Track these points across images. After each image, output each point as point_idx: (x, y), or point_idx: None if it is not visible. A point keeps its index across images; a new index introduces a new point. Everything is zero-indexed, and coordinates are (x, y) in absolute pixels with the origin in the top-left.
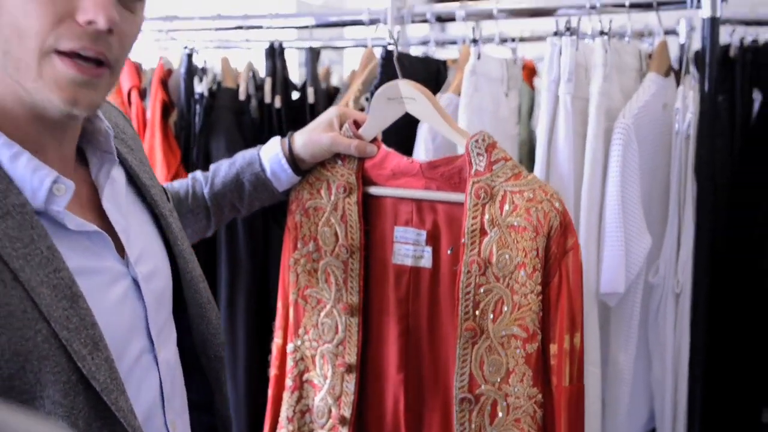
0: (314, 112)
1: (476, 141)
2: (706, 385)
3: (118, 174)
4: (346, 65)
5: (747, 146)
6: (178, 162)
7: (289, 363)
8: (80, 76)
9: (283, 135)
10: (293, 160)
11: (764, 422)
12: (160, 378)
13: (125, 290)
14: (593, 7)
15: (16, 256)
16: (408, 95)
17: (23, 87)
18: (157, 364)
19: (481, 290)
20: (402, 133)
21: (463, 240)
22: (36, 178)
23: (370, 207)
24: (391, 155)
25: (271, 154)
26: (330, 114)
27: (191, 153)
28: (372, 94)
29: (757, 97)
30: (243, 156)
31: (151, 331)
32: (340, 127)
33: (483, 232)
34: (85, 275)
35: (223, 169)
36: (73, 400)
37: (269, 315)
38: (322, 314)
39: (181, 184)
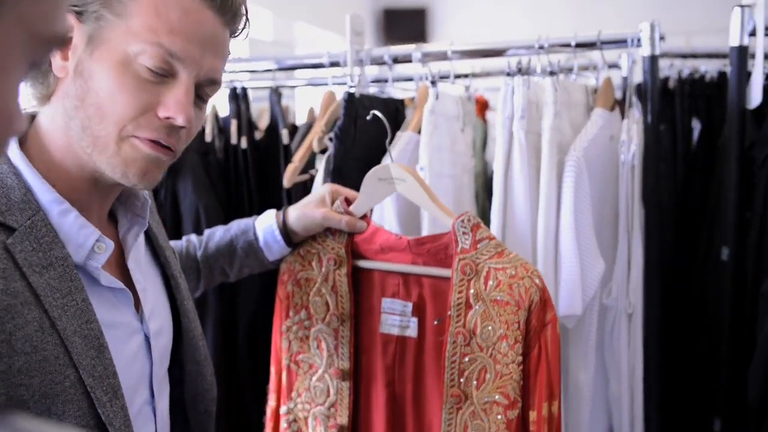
0: (288, 151)
1: (462, 221)
2: (660, 399)
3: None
4: (298, 100)
5: (689, 174)
6: None
7: (283, 424)
8: (155, 153)
9: (248, 174)
10: (286, 232)
11: (716, 431)
12: (155, 428)
13: (138, 345)
14: (541, 47)
15: (55, 306)
16: (398, 176)
17: (94, 160)
18: (155, 415)
19: (466, 359)
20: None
21: (449, 312)
22: (82, 234)
23: (359, 279)
24: (380, 231)
25: (265, 225)
26: (323, 191)
27: (159, 194)
28: (336, 135)
29: (696, 125)
30: (238, 224)
31: (153, 384)
32: (332, 203)
33: (468, 306)
34: (109, 328)
35: (217, 234)
36: None
37: (235, 354)
38: (314, 378)
39: (175, 245)
